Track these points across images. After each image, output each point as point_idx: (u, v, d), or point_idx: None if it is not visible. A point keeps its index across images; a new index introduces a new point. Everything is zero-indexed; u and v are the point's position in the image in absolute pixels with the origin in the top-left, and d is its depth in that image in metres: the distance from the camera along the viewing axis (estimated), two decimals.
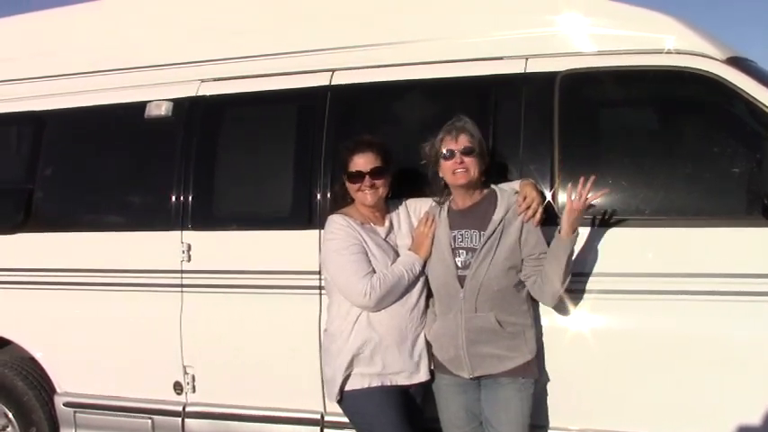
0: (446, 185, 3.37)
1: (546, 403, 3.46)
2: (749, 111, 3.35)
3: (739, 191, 3.32)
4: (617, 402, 3.42)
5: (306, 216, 3.88)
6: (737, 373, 3.22)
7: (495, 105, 3.67)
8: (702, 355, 3.27)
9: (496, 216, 3.22)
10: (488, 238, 3.20)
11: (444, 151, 3.25)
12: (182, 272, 4.13)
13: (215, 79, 4.25)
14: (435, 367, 3.38)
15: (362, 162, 3.37)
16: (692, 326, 3.30)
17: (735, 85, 3.33)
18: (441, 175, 3.33)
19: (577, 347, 3.42)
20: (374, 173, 3.36)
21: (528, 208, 3.21)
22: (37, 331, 4.50)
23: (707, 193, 3.40)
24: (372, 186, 3.37)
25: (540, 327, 3.40)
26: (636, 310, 3.37)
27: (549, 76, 3.59)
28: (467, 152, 3.23)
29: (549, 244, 3.24)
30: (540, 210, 3.22)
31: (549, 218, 3.35)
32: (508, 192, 3.30)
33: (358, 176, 3.37)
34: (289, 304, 3.90)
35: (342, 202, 3.52)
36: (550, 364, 3.40)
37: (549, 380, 3.42)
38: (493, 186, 3.34)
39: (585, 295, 3.42)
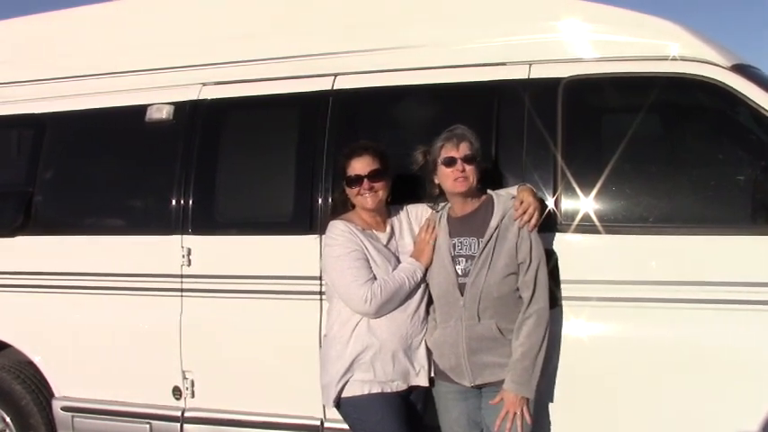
0: (441, 192, 3.35)
1: (548, 411, 3.44)
2: (754, 118, 3.34)
3: (744, 198, 3.31)
4: (620, 411, 3.40)
5: (307, 221, 3.86)
6: (745, 382, 3.20)
7: (498, 111, 3.65)
8: (707, 365, 3.25)
9: (493, 222, 3.21)
10: (486, 244, 3.19)
11: (445, 158, 3.23)
12: (182, 276, 4.11)
13: (216, 83, 4.24)
14: (436, 374, 3.36)
15: (360, 166, 3.36)
16: (693, 335, 3.27)
17: (739, 93, 3.32)
18: (437, 182, 3.32)
19: (579, 356, 3.40)
20: (372, 175, 3.35)
21: (524, 213, 3.19)
22: (35, 335, 4.48)
23: (712, 200, 3.39)
24: (371, 189, 3.36)
25: None
26: (639, 319, 3.35)
27: (553, 82, 3.58)
28: (468, 160, 3.21)
29: (546, 250, 3.23)
30: (537, 215, 3.20)
31: (548, 225, 3.34)
32: (504, 197, 3.29)
33: (356, 180, 3.36)
34: (289, 310, 3.88)
35: (342, 209, 3.50)
36: (551, 372, 3.38)
37: (550, 388, 3.39)
38: (490, 192, 3.33)
39: (589, 303, 3.40)
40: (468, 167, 3.21)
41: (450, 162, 3.22)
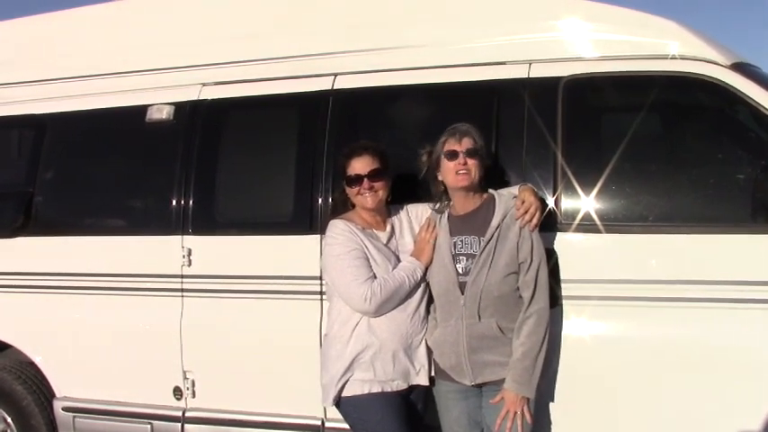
0: (445, 190, 3.35)
1: (548, 410, 3.43)
2: (754, 117, 3.33)
3: (744, 197, 3.30)
4: (619, 411, 3.40)
5: (307, 221, 3.86)
6: (746, 382, 3.19)
7: (498, 110, 3.65)
8: (708, 364, 3.25)
9: (494, 222, 3.21)
10: (487, 243, 3.19)
11: (447, 151, 3.23)
12: (182, 276, 4.11)
13: (216, 83, 4.24)
14: (436, 373, 3.36)
15: (360, 165, 3.37)
16: (693, 334, 3.27)
17: (739, 91, 3.32)
18: (440, 178, 3.32)
19: (579, 355, 3.40)
20: (372, 175, 3.35)
21: (525, 212, 3.19)
22: (36, 335, 4.48)
23: (711, 199, 3.38)
24: (371, 189, 3.36)
25: None
26: (639, 318, 3.35)
27: (553, 81, 3.57)
28: (470, 154, 3.21)
29: (546, 249, 3.23)
30: (538, 215, 3.20)
31: (548, 224, 3.34)
32: (506, 196, 3.29)
33: (356, 180, 3.36)
34: (289, 309, 3.88)
35: (342, 209, 3.51)
36: (552, 372, 3.37)
37: (550, 387, 3.39)
38: (491, 191, 3.33)
39: (589, 302, 3.40)
40: (471, 161, 3.21)
41: (452, 155, 3.22)
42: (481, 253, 3.19)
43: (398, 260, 3.38)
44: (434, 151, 3.32)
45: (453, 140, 3.24)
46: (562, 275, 3.40)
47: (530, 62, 3.66)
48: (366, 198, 3.37)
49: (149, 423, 4.21)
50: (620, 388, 3.37)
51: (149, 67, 4.40)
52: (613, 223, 3.41)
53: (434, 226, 3.37)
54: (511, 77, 3.66)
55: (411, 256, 3.37)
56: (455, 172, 3.22)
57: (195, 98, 4.25)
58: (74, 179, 4.57)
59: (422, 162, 3.37)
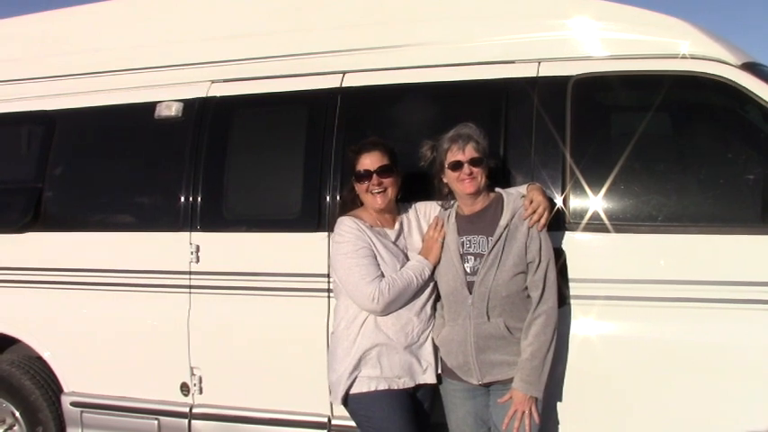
0: (450, 191, 3.35)
1: (556, 410, 3.43)
2: (764, 117, 3.32)
3: (754, 197, 3.30)
4: (626, 412, 3.39)
5: (315, 218, 3.87)
6: (756, 382, 3.18)
7: (506, 109, 3.65)
8: (716, 364, 3.24)
9: (502, 221, 3.21)
10: (495, 243, 3.19)
11: (451, 162, 3.23)
12: (190, 273, 4.12)
13: (225, 80, 4.25)
14: (443, 372, 3.37)
15: (369, 161, 3.37)
16: (703, 334, 3.26)
17: (749, 91, 3.31)
18: (446, 181, 3.32)
19: (587, 354, 3.39)
20: (381, 171, 3.36)
21: (534, 212, 3.19)
22: (45, 330, 4.49)
23: (721, 199, 3.37)
24: (380, 185, 3.36)
25: None
26: (647, 318, 3.35)
27: (562, 80, 3.57)
28: (475, 163, 3.21)
29: (554, 249, 3.23)
30: (546, 214, 3.20)
31: (556, 223, 3.33)
32: (515, 196, 3.29)
33: (365, 176, 3.36)
34: (297, 307, 3.89)
35: (351, 207, 3.51)
36: (560, 371, 3.37)
37: (558, 387, 3.39)
38: (499, 190, 3.33)
39: (597, 302, 3.40)
40: (476, 170, 3.21)
41: (456, 166, 3.22)
42: (489, 253, 3.19)
43: (407, 258, 3.39)
44: (437, 149, 3.31)
45: (456, 148, 3.23)
46: (570, 275, 3.40)
47: (539, 61, 3.65)
48: (375, 198, 3.37)
49: (156, 419, 4.22)
50: (628, 388, 3.37)
51: (158, 64, 4.41)
52: (622, 223, 3.41)
53: (443, 225, 3.37)
54: (520, 76, 3.65)
55: (419, 254, 3.37)
56: (461, 181, 3.22)
57: (204, 95, 4.25)
58: (82, 175, 4.58)
59: (424, 157, 3.37)
